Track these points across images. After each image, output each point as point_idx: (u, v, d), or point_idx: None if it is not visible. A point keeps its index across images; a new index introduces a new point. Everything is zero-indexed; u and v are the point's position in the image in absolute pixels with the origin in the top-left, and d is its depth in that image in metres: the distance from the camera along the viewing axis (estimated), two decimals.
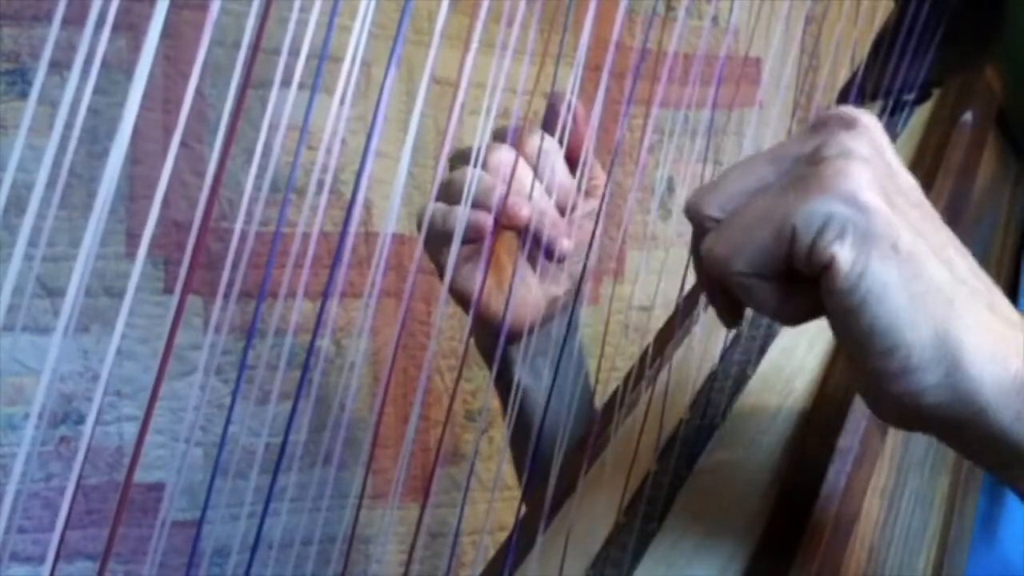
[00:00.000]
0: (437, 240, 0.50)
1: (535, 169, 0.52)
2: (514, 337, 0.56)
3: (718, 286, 0.38)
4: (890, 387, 0.33)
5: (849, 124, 0.35)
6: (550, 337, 0.58)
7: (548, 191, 0.52)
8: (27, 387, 0.76)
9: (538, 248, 0.51)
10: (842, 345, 0.34)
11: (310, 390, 0.45)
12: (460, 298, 0.54)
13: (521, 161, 0.51)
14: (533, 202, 0.50)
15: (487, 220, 0.49)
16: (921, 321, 0.32)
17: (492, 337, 0.56)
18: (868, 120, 0.35)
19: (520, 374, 0.56)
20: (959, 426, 0.33)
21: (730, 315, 0.40)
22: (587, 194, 0.55)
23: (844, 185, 0.32)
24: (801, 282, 0.34)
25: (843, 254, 0.32)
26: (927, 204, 0.35)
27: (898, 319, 0.32)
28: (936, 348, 0.32)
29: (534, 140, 0.52)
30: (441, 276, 0.53)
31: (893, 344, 0.32)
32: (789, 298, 0.35)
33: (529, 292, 0.55)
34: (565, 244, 0.51)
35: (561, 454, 0.46)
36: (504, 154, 0.51)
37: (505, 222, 0.49)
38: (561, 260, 0.51)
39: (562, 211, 0.52)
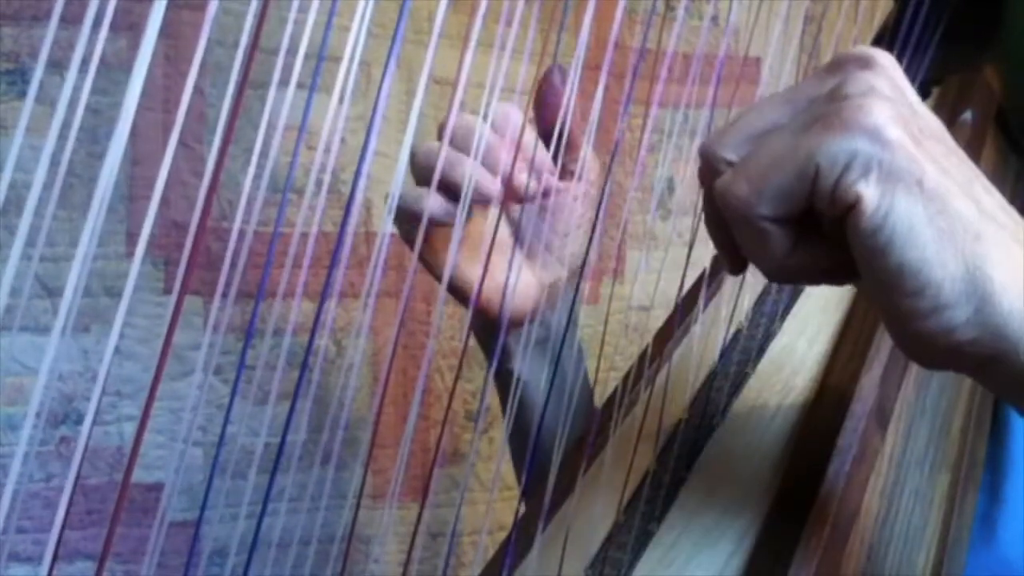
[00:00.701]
0: (408, 225, 0.50)
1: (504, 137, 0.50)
2: (510, 327, 0.55)
3: (728, 232, 0.36)
4: (921, 326, 0.32)
5: (867, 63, 0.34)
6: (549, 327, 0.58)
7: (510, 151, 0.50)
8: (27, 387, 0.76)
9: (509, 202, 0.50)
10: (870, 286, 0.34)
11: (309, 390, 0.45)
12: (453, 289, 0.53)
13: (485, 127, 0.49)
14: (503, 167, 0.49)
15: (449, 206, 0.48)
16: (949, 258, 0.32)
17: (487, 326, 0.55)
18: (885, 59, 0.35)
19: (518, 366, 0.55)
20: (991, 362, 0.33)
21: (737, 262, 0.39)
22: (576, 176, 0.54)
23: (867, 121, 0.32)
24: (810, 234, 0.34)
25: (869, 192, 0.32)
26: (951, 140, 0.35)
27: (926, 257, 0.32)
28: (966, 284, 0.32)
29: (503, 108, 0.50)
30: (427, 268, 0.53)
31: (923, 283, 0.32)
32: (796, 249, 0.35)
33: (522, 279, 0.55)
34: (522, 179, 0.49)
35: (561, 450, 0.46)
36: (467, 120, 0.50)
37: (477, 199, 0.48)
38: (531, 199, 0.50)
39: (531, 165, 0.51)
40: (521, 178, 0.50)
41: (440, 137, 0.50)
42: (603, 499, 0.46)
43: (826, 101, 0.34)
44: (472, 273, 0.52)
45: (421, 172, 0.50)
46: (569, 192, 0.54)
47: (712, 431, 0.48)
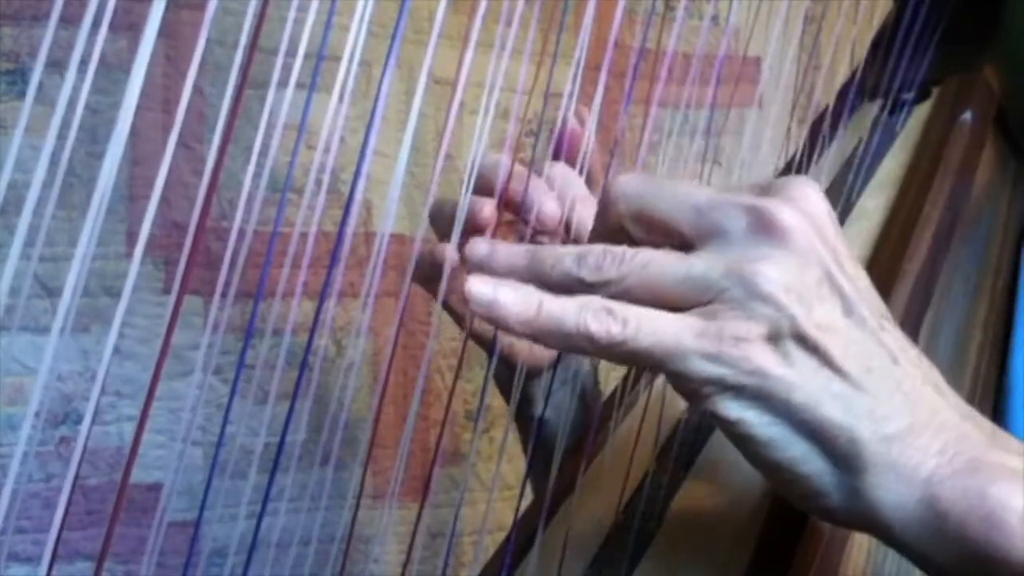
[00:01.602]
0: (427, 271, 0.50)
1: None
2: (533, 373, 0.55)
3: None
4: (799, 503, 0.34)
5: (781, 237, 0.33)
6: (568, 369, 0.57)
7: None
8: (27, 387, 0.76)
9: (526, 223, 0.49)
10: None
11: (308, 390, 0.45)
12: (475, 336, 0.52)
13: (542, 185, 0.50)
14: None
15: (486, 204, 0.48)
16: (815, 458, 0.33)
17: (508, 371, 0.55)
18: (790, 218, 0.33)
19: (540, 411, 0.54)
20: (877, 535, 0.34)
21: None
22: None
23: (745, 356, 0.32)
24: None
25: (725, 411, 0.33)
26: (867, 305, 0.34)
27: (793, 457, 0.33)
28: (835, 477, 0.33)
29: (556, 170, 0.51)
30: (455, 319, 0.53)
31: (792, 477, 0.33)
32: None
33: None
34: (549, 207, 0.49)
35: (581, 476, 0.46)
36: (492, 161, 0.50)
37: (539, 226, 0.48)
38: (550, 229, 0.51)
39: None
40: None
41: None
42: (602, 499, 0.46)
43: (713, 292, 0.33)
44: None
45: (442, 224, 0.50)
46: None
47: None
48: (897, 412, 0.33)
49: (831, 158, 0.64)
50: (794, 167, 0.61)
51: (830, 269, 0.33)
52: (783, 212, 0.33)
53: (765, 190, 0.35)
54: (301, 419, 0.42)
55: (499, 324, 0.34)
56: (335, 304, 0.79)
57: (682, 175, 0.93)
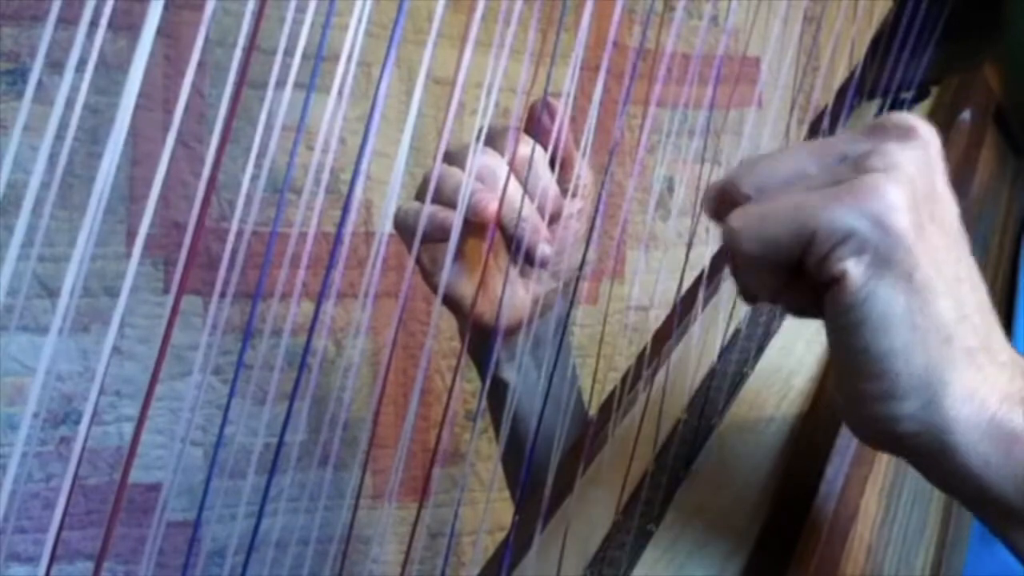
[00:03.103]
0: (408, 237, 0.51)
1: (520, 176, 0.51)
2: (503, 337, 0.56)
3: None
4: (868, 407, 0.33)
5: (905, 135, 0.34)
6: (536, 336, 0.58)
7: (530, 196, 0.51)
8: (27, 387, 0.76)
9: (519, 253, 0.51)
10: (832, 355, 0.34)
11: (308, 390, 0.45)
12: (446, 299, 0.54)
13: (500, 163, 0.51)
14: (511, 205, 0.50)
15: (450, 216, 0.49)
16: (916, 354, 0.32)
17: (478, 336, 0.56)
18: (927, 133, 0.34)
19: (510, 375, 0.56)
20: (930, 458, 0.33)
21: (748, 296, 0.39)
22: (572, 194, 0.55)
23: (876, 202, 0.32)
24: (803, 280, 0.34)
25: (854, 271, 0.32)
26: (958, 232, 0.35)
27: (894, 348, 0.32)
28: (921, 381, 0.32)
29: (523, 148, 0.52)
30: (423, 275, 0.53)
31: (882, 369, 0.32)
32: (787, 291, 0.35)
33: (515, 293, 0.56)
34: (545, 250, 0.50)
35: (558, 455, 0.46)
36: (486, 158, 0.51)
37: (474, 218, 0.49)
38: (543, 265, 0.51)
39: (548, 216, 0.52)
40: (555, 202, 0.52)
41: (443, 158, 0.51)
42: (602, 499, 0.46)
43: (851, 166, 0.34)
44: (467, 286, 0.53)
45: (422, 193, 0.51)
46: (565, 210, 0.54)
47: (711, 431, 0.48)
48: (977, 329, 0.33)
49: None
50: None
51: (944, 183, 0.34)
52: (903, 116, 0.34)
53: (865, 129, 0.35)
54: (300, 419, 0.43)
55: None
56: (334, 304, 0.79)
57: (681, 175, 0.93)
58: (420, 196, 0.51)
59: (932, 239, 0.33)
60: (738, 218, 0.34)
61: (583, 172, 0.55)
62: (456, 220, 0.45)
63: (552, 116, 0.52)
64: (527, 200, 0.51)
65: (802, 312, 0.36)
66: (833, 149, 0.35)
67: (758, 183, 0.35)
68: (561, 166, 0.53)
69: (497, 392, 0.58)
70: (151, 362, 0.82)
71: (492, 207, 0.49)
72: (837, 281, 0.32)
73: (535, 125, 0.52)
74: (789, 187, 0.34)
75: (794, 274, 0.34)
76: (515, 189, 0.50)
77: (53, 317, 0.28)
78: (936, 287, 0.32)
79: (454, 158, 0.51)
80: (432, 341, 0.89)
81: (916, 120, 0.34)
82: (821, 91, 0.68)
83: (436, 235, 0.49)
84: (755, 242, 0.34)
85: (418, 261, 0.52)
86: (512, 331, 0.56)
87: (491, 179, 0.50)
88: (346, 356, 0.81)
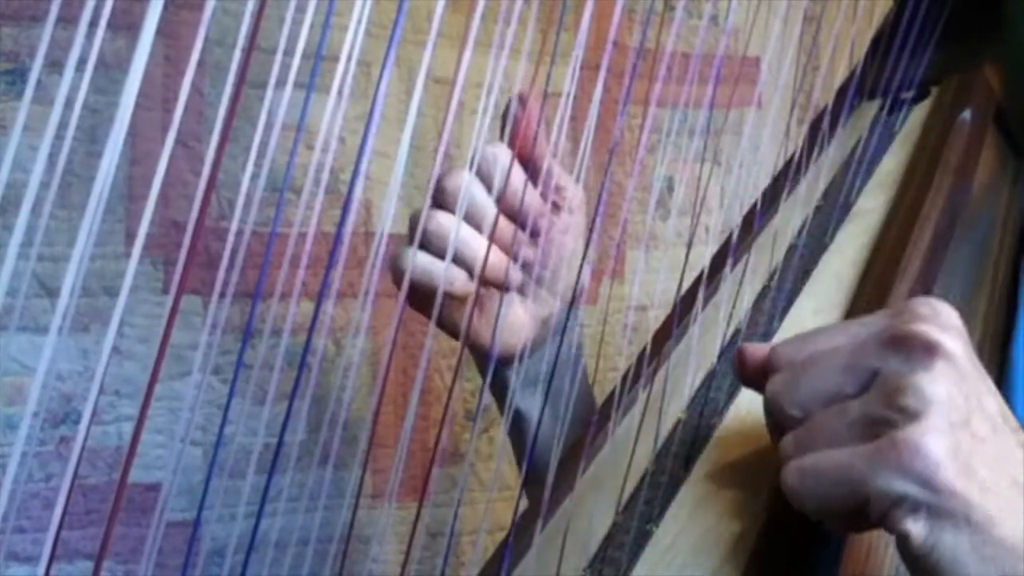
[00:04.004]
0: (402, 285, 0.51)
1: (511, 209, 0.51)
2: (507, 362, 0.56)
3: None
4: None
5: (932, 353, 0.35)
6: (545, 361, 0.58)
7: (503, 211, 0.51)
8: (27, 387, 0.76)
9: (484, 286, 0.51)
10: None
11: (307, 390, 0.45)
12: (441, 324, 0.54)
13: (488, 202, 0.51)
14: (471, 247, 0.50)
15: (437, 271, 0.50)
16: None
17: (484, 361, 0.56)
18: (954, 346, 0.35)
19: (516, 401, 0.56)
20: None
21: None
22: (558, 207, 0.54)
23: (920, 463, 0.33)
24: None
25: (916, 531, 0.34)
26: (1002, 425, 0.36)
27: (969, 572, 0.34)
28: None
29: (486, 155, 0.51)
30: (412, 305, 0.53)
31: None
32: (846, 525, 0.38)
33: (516, 316, 0.55)
34: (513, 277, 0.52)
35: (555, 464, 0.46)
36: (474, 191, 0.51)
37: (449, 289, 0.50)
38: (519, 288, 0.52)
39: (523, 224, 0.52)
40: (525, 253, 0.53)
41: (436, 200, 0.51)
42: (601, 499, 0.46)
43: (884, 399, 0.35)
44: (463, 311, 0.53)
45: (434, 242, 0.51)
46: (556, 226, 0.54)
47: (711, 431, 0.48)
48: None
49: (830, 157, 0.64)
50: (793, 166, 0.61)
51: (979, 385, 0.35)
52: (930, 331, 0.35)
53: (898, 316, 0.37)
54: (300, 419, 0.43)
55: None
56: (334, 304, 0.79)
57: (681, 175, 0.93)
58: (413, 235, 0.52)
59: (978, 469, 0.34)
60: (793, 475, 0.37)
61: (569, 185, 0.54)
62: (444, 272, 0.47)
63: (524, 110, 0.51)
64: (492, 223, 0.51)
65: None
66: (866, 362, 0.36)
67: (802, 402, 0.38)
68: (535, 173, 0.52)
69: (517, 423, 0.58)
70: (151, 362, 0.82)
71: (467, 288, 0.51)
72: (900, 537, 0.34)
73: (510, 125, 0.52)
74: (830, 422, 0.36)
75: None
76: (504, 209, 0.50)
77: (53, 317, 0.28)
78: (994, 516, 0.34)
79: (444, 196, 0.51)
80: (432, 341, 0.89)
81: (941, 335, 0.35)
82: (821, 91, 0.68)
83: (427, 286, 0.50)
84: (815, 500, 0.36)
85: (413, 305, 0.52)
86: (515, 356, 0.56)
87: (479, 216, 0.51)
88: (346, 356, 0.81)
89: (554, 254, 0.54)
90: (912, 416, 0.34)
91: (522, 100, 0.52)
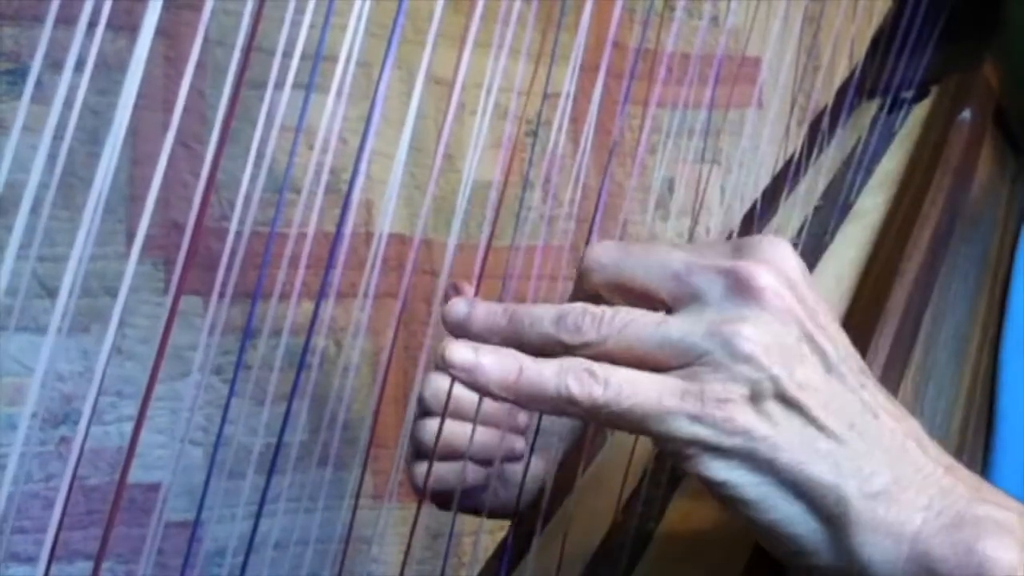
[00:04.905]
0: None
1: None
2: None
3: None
4: (790, 561, 0.34)
5: (758, 300, 0.33)
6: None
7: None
8: (27, 387, 0.76)
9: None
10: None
11: (307, 390, 0.45)
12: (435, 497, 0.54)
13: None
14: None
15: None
16: (810, 517, 0.33)
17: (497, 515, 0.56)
18: (782, 295, 0.34)
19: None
20: None
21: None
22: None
23: (734, 424, 0.32)
24: None
25: (719, 475, 0.33)
26: (840, 370, 0.34)
27: (786, 517, 0.33)
28: (826, 536, 0.33)
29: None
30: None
31: (785, 536, 0.33)
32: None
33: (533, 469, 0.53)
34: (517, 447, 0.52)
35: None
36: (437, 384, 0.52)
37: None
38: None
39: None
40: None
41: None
42: (601, 499, 0.46)
43: (703, 332, 0.33)
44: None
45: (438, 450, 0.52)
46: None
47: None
48: (881, 468, 0.33)
49: (830, 157, 0.64)
50: (793, 166, 0.61)
51: (808, 328, 0.34)
52: (759, 273, 0.34)
53: (739, 250, 0.35)
54: (300, 419, 0.43)
55: (480, 390, 0.34)
56: (334, 304, 0.79)
57: (681, 175, 0.93)
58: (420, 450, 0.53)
59: (801, 404, 0.33)
60: (595, 387, 0.33)
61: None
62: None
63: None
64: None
65: None
66: (695, 277, 0.34)
67: (616, 279, 0.36)
68: None
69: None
70: (151, 362, 0.82)
71: (477, 477, 0.52)
72: (703, 479, 0.33)
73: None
74: (642, 321, 0.34)
75: None
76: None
77: (52, 317, 0.28)
78: (808, 455, 0.32)
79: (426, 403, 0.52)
80: (432, 341, 0.89)
81: (772, 279, 0.34)
82: (821, 91, 0.68)
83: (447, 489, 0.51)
84: (620, 416, 0.33)
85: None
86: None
87: (465, 408, 0.50)
88: (346, 356, 0.81)
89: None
90: (722, 362, 0.33)
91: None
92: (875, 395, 0.35)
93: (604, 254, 0.36)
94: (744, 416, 0.32)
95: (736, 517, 0.34)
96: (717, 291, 0.34)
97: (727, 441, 0.32)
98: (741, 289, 0.33)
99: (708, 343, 0.33)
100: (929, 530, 0.32)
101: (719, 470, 0.33)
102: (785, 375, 0.33)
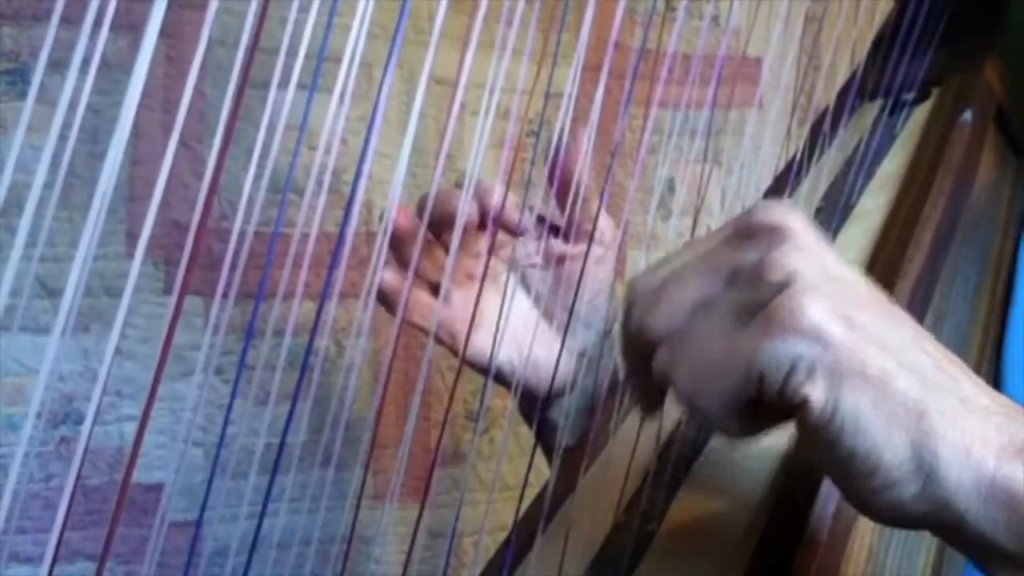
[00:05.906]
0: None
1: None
2: (552, 399, 0.56)
3: (644, 381, 0.37)
4: (873, 501, 0.33)
5: (780, 235, 0.34)
6: (588, 394, 0.58)
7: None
8: (28, 387, 0.76)
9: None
10: (821, 464, 0.35)
11: (309, 390, 0.45)
12: (472, 364, 0.54)
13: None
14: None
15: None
16: (897, 440, 0.32)
17: (527, 400, 0.56)
18: (796, 222, 0.35)
19: (564, 439, 0.55)
20: (947, 530, 0.33)
21: (651, 406, 0.40)
22: (590, 238, 0.55)
23: (804, 322, 0.32)
24: (766, 408, 0.34)
25: (815, 394, 0.32)
26: (879, 297, 0.35)
27: (875, 442, 0.32)
28: (913, 462, 0.32)
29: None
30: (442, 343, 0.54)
31: (872, 466, 0.32)
32: (755, 422, 0.35)
33: (552, 353, 0.54)
34: (513, 215, 0.52)
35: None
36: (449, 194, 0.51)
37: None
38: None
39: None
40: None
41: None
42: (603, 499, 0.46)
43: (749, 286, 0.34)
44: (489, 346, 0.53)
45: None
46: (587, 257, 0.54)
47: (713, 431, 0.48)
48: (945, 386, 0.33)
49: (831, 158, 0.64)
50: (794, 167, 0.61)
51: (835, 258, 0.34)
52: (766, 212, 0.35)
53: (736, 219, 0.36)
54: (302, 419, 0.43)
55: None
56: (336, 304, 0.79)
57: (682, 175, 0.93)
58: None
59: (865, 323, 0.33)
60: (678, 376, 0.35)
61: (603, 218, 0.56)
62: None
63: (571, 157, 0.52)
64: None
65: (769, 430, 0.36)
66: (720, 261, 0.35)
67: (667, 319, 0.36)
68: (574, 204, 0.53)
69: (545, 430, 0.58)
70: (152, 362, 0.82)
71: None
72: (801, 407, 0.33)
73: (558, 159, 0.53)
74: (706, 328, 0.35)
75: (755, 406, 0.34)
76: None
77: (54, 317, 0.28)
78: (891, 370, 0.32)
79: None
80: (433, 341, 0.89)
81: (780, 213, 0.35)
82: (822, 92, 0.68)
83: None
84: (708, 398, 0.34)
85: (437, 336, 0.53)
86: (560, 392, 0.56)
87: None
88: (348, 356, 0.81)
89: (586, 286, 0.55)
90: (780, 286, 0.33)
91: (575, 135, 0.52)
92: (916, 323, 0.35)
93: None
94: (827, 326, 0.32)
95: (827, 457, 0.33)
96: (741, 254, 0.35)
97: (817, 353, 0.32)
98: (758, 232, 0.34)
99: (759, 289, 0.34)
100: (1008, 453, 0.32)
101: (820, 391, 0.32)
102: (842, 293, 0.33)
